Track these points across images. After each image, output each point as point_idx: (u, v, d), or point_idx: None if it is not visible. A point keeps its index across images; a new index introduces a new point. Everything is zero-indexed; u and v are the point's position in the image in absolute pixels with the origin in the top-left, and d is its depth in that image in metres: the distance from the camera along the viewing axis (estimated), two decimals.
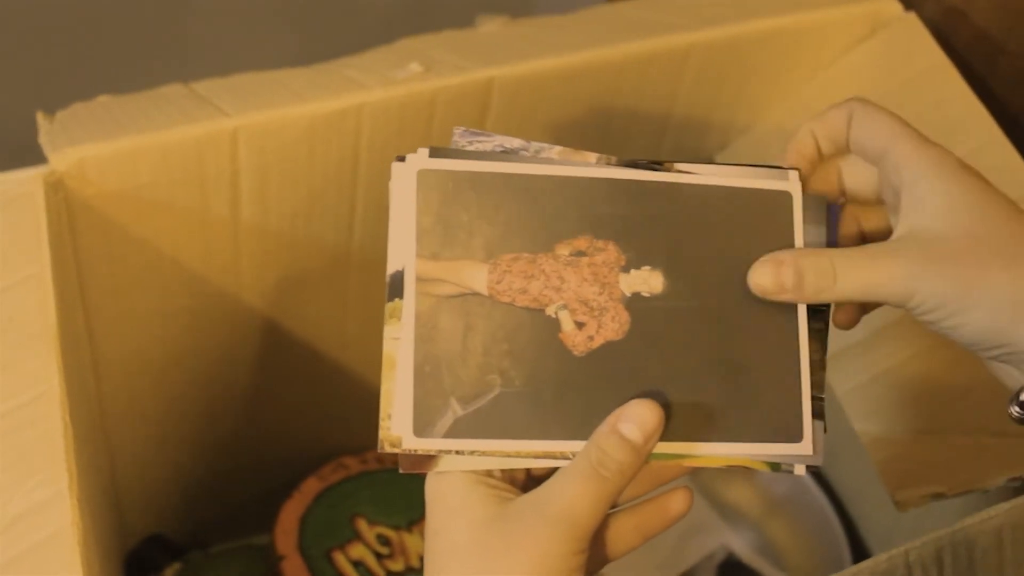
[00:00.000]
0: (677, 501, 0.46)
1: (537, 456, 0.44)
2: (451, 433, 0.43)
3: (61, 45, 0.96)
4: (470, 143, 0.46)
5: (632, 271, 0.45)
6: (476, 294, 0.44)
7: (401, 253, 0.44)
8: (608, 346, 0.45)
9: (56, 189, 0.58)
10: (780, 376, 0.46)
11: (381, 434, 0.43)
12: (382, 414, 0.43)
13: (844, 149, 0.48)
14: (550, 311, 0.44)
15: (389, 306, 0.44)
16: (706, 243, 0.46)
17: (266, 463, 0.85)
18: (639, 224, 0.45)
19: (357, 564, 0.75)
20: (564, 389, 0.44)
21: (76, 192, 0.60)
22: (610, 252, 0.45)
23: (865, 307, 0.49)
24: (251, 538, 0.86)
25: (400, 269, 0.44)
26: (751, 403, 0.45)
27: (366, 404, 0.86)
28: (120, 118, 0.61)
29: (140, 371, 0.72)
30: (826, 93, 0.74)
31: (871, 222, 0.49)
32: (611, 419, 0.43)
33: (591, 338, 0.45)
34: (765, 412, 0.46)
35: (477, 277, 0.44)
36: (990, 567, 0.47)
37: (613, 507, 0.44)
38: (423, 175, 0.44)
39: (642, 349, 0.45)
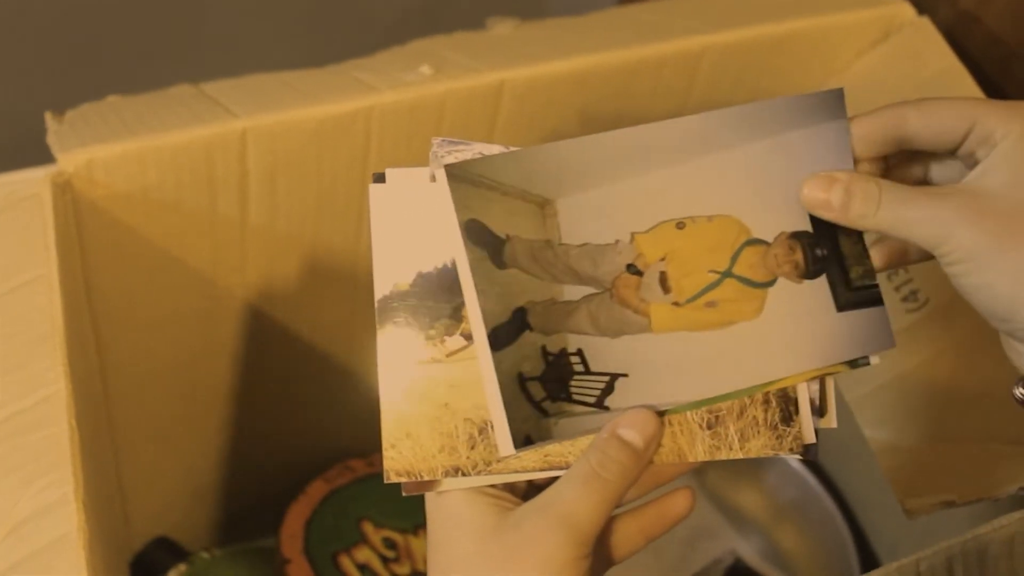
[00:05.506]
0: (679, 502, 0.46)
1: (538, 469, 0.44)
2: None
3: (70, 44, 0.96)
4: (449, 152, 0.45)
5: None
6: None
7: (391, 274, 0.44)
8: None
9: (64, 190, 0.58)
10: None
11: (386, 464, 0.43)
12: (385, 444, 0.43)
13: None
14: None
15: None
16: None
17: (272, 465, 0.85)
18: None
19: (363, 568, 0.75)
20: None
21: (84, 193, 0.59)
22: None
23: (904, 255, 0.48)
24: (257, 541, 0.86)
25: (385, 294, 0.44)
26: None
27: (373, 407, 0.86)
28: (129, 119, 0.61)
29: (147, 373, 0.72)
30: None
31: (940, 172, 0.47)
32: (610, 425, 0.43)
33: None
34: None
35: None
36: None
37: (616, 508, 0.44)
38: None
39: None
